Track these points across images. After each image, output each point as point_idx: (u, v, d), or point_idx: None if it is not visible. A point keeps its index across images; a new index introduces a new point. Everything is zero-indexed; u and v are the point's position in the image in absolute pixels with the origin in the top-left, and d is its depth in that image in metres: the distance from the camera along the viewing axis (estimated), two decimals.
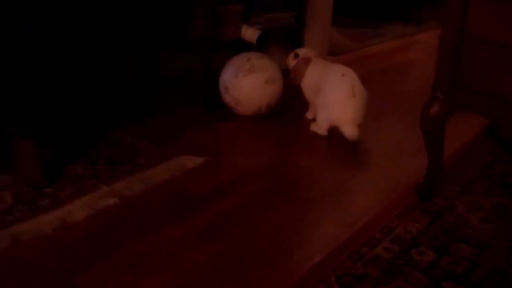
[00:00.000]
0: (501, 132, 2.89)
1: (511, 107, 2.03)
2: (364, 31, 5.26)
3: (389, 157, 2.68)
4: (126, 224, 2.02)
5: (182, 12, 3.13)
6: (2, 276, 1.72)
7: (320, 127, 2.82)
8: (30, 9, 2.10)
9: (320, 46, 3.75)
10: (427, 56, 4.37)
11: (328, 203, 2.25)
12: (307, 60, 2.94)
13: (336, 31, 4.74)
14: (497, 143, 2.85)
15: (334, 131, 2.79)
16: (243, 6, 3.23)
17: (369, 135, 2.82)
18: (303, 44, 3.69)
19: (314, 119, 2.89)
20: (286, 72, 3.00)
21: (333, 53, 4.20)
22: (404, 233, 2.03)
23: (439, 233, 2.05)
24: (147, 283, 1.73)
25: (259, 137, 2.80)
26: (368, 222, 2.10)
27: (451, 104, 2.11)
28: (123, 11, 2.76)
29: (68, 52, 2.33)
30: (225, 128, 2.85)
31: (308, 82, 2.90)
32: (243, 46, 3.44)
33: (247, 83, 2.86)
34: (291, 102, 3.10)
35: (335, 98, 2.74)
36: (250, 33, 3.20)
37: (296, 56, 3.00)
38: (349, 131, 2.71)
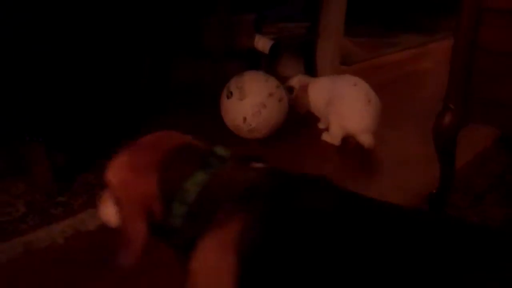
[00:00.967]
0: None
1: None
2: (376, 41, 5.26)
3: (401, 167, 2.67)
4: None
5: (195, 21, 3.14)
6: (14, 285, 1.73)
7: (333, 137, 2.82)
8: (46, 19, 2.12)
9: (332, 56, 3.76)
10: (440, 66, 4.36)
11: None
12: (304, 87, 2.95)
13: (349, 40, 4.75)
14: (509, 153, 2.84)
15: (346, 140, 2.79)
16: (256, 16, 3.24)
17: (381, 145, 2.82)
18: (316, 53, 3.70)
19: (326, 129, 2.89)
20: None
21: (346, 63, 4.20)
22: None
23: None
24: None
25: (271, 147, 2.80)
26: None
27: (463, 114, 2.10)
28: (137, 20, 2.77)
29: (82, 60, 2.34)
30: (237, 137, 2.85)
31: (316, 103, 2.91)
32: (256, 56, 3.45)
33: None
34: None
35: (351, 107, 2.74)
36: (262, 43, 3.21)
37: (290, 90, 3.00)
38: (366, 139, 2.72)
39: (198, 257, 1.12)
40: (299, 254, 1.03)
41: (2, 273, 1.77)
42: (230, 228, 1.07)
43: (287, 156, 2.72)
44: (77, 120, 2.45)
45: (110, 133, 2.73)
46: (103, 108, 2.68)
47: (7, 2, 2.06)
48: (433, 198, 2.27)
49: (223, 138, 2.85)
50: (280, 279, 1.03)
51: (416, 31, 5.82)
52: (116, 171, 1.23)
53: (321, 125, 2.97)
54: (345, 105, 2.77)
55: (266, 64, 3.74)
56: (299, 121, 3.08)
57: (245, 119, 2.74)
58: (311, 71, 3.70)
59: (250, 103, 2.73)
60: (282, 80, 2.97)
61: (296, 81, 3.02)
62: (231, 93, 2.76)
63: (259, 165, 1.25)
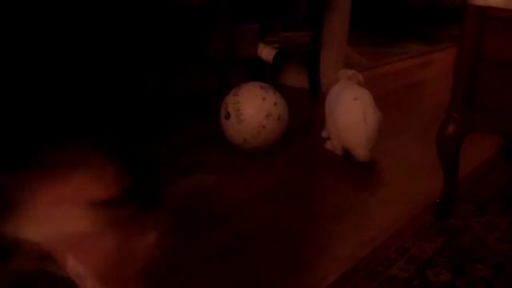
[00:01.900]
0: None
1: None
2: (380, 50, 5.27)
3: (404, 177, 2.67)
4: None
5: (199, 30, 3.15)
6: None
7: (335, 147, 2.82)
8: (49, 30, 2.13)
9: (336, 65, 3.76)
10: (443, 75, 4.36)
11: (343, 222, 2.25)
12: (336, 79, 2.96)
13: (352, 49, 4.76)
14: None
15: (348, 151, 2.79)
16: (260, 25, 3.25)
17: (384, 154, 2.82)
18: (319, 63, 3.70)
19: (329, 138, 2.89)
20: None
21: None
22: (420, 253, 2.03)
23: (455, 253, 2.04)
24: None
25: (275, 156, 2.80)
26: (383, 242, 2.09)
27: (467, 124, 2.11)
28: (141, 28, 2.78)
29: (84, 69, 2.35)
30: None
31: (328, 102, 2.90)
32: (260, 65, 3.45)
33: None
34: (306, 120, 3.10)
35: (346, 122, 2.74)
36: (266, 52, 3.21)
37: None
38: (359, 154, 2.71)
39: None
40: None
41: None
42: None
43: (292, 165, 2.72)
44: (79, 129, 2.45)
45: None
46: (107, 116, 2.68)
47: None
48: (437, 207, 2.27)
49: (227, 145, 2.86)
50: None
51: (420, 40, 5.83)
52: None
53: (323, 134, 2.97)
54: (342, 120, 2.76)
55: (270, 73, 3.74)
56: (303, 130, 3.08)
57: (245, 139, 2.74)
58: (315, 80, 3.70)
59: (249, 127, 2.73)
60: (287, 90, 2.97)
61: (350, 73, 3.02)
62: (229, 114, 2.76)
63: None
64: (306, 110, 3.50)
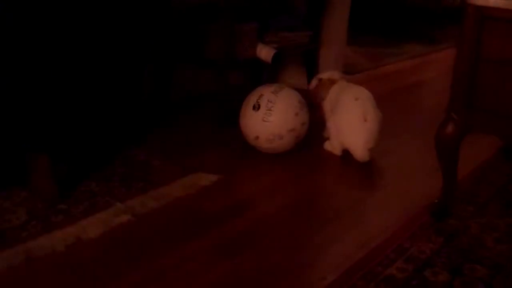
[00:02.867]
0: None
1: None
2: (379, 51, 5.26)
3: (403, 177, 2.67)
4: (140, 241, 2.02)
5: (198, 31, 3.14)
6: None
7: (334, 148, 2.82)
8: (48, 31, 2.13)
9: (335, 65, 3.75)
10: (442, 76, 4.36)
11: (342, 222, 2.25)
12: (331, 81, 2.92)
13: (351, 50, 4.75)
14: (511, 163, 2.84)
15: (348, 151, 2.79)
16: (259, 25, 3.24)
17: (383, 155, 2.81)
18: (318, 63, 3.70)
19: (328, 138, 2.88)
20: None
21: (348, 72, 4.20)
22: (418, 253, 2.02)
23: (453, 253, 2.03)
24: None
25: (273, 156, 2.79)
26: (382, 242, 2.09)
27: (466, 124, 2.10)
28: (139, 28, 2.78)
29: (83, 69, 2.35)
30: (239, 146, 2.85)
31: (329, 102, 2.89)
32: (258, 65, 3.45)
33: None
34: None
35: (347, 122, 2.74)
36: (265, 52, 3.21)
37: (320, 80, 2.98)
38: (359, 154, 2.71)
39: None
40: None
41: (2, 280, 1.76)
42: None
43: (291, 165, 2.72)
44: (78, 129, 2.45)
45: (112, 141, 2.73)
46: (105, 116, 2.68)
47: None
48: (436, 207, 2.27)
49: (225, 145, 2.85)
50: None
51: (419, 41, 5.83)
52: None
53: (325, 134, 2.96)
54: (342, 120, 2.76)
55: (269, 73, 3.74)
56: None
57: (258, 138, 2.73)
58: None
59: (269, 130, 2.71)
60: None
61: (328, 75, 2.99)
62: (259, 106, 2.72)
63: None
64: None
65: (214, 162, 2.66)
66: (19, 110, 2.17)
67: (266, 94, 2.75)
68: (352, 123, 2.71)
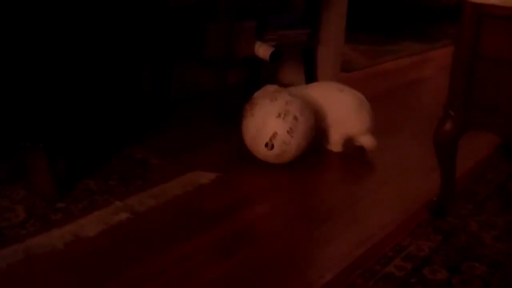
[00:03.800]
0: None
1: None
2: (377, 48, 5.27)
3: (402, 175, 2.67)
4: (138, 240, 2.02)
5: (196, 29, 3.14)
6: None
7: (334, 145, 2.82)
8: (46, 27, 2.12)
9: (333, 63, 3.75)
10: (440, 73, 4.37)
11: (340, 220, 2.25)
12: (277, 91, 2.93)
13: (349, 48, 4.76)
14: (510, 161, 2.84)
15: (347, 149, 2.79)
16: (257, 23, 3.24)
17: (382, 153, 2.82)
18: (317, 60, 3.70)
19: (325, 138, 2.87)
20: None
21: (346, 70, 4.21)
22: (417, 251, 2.03)
23: (451, 251, 2.04)
24: None
25: None
26: (380, 240, 2.09)
27: (464, 122, 2.10)
28: (138, 26, 2.77)
29: (82, 66, 2.34)
30: (238, 144, 2.85)
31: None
32: (256, 63, 3.45)
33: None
34: None
35: (346, 111, 2.75)
36: (263, 50, 3.20)
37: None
38: (368, 141, 2.73)
39: None
40: None
41: (1, 279, 1.76)
42: None
43: (289, 163, 2.72)
44: (77, 127, 2.45)
45: (110, 139, 2.73)
46: (104, 114, 2.67)
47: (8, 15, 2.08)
48: (434, 205, 2.27)
49: (224, 143, 2.85)
50: None
51: (417, 38, 5.83)
52: None
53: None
54: (339, 111, 2.77)
55: (267, 71, 3.74)
56: None
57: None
58: (312, 78, 3.69)
59: (281, 160, 2.63)
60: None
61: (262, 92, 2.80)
62: (272, 146, 2.56)
63: None
64: None
65: (213, 160, 2.66)
66: (18, 107, 2.17)
67: (280, 133, 2.55)
68: (352, 110, 2.76)
